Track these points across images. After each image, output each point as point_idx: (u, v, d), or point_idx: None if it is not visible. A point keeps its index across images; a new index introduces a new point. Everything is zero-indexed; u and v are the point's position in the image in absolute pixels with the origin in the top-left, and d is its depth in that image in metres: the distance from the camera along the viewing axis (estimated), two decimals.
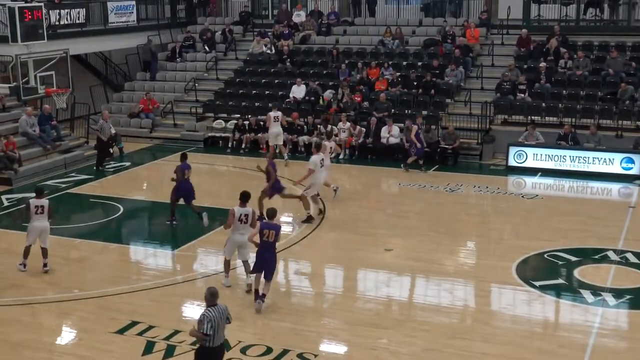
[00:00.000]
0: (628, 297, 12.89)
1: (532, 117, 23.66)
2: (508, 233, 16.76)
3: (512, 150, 22.23)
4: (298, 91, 26.40)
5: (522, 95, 24.49)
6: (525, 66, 25.87)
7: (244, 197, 13.21)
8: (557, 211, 18.04)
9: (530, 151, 22.00)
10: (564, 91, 24.42)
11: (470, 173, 21.84)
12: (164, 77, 29.83)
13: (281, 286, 14.07)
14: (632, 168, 21.08)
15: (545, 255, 14.84)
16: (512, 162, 22.19)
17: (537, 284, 13.44)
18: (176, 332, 11.53)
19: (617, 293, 12.94)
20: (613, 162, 21.31)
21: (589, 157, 21.59)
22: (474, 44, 27.45)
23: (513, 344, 11.19)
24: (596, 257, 14.77)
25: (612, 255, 14.75)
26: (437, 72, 26.02)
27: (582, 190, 20.51)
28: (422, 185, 20.31)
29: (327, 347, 11.35)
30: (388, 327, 11.80)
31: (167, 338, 11.36)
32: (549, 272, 14.14)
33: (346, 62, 27.53)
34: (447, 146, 22.78)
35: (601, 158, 21.47)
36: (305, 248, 15.66)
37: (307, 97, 26.24)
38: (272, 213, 12.68)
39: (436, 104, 24.98)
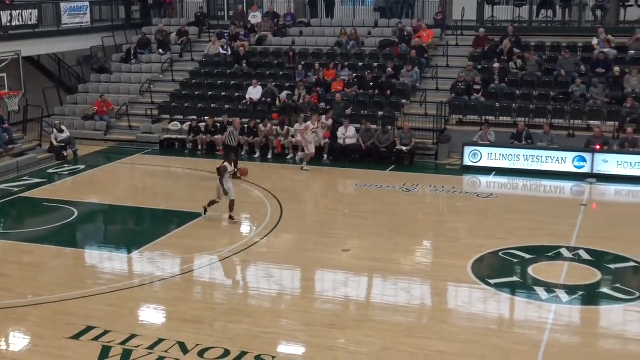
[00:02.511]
0: (580, 293, 13.11)
1: (487, 117, 23.96)
2: (464, 232, 16.94)
3: (467, 149, 22.48)
4: (254, 92, 26.35)
5: (477, 95, 24.78)
6: (479, 67, 26.18)
7: None
8: (512, 210, 18.30)
9: (484, 151, 22.26)
10: (518, 91, 24.77)
11: (426, 173, 22.02)
12: (119, 78, 29.54)
13: (239, 288, 14.05)
14: (583, 166, 21.47)
15: (500, 254, 15.03)
16: (467, 161, 22.44)
17: (493, 282, 13.61)
18: (133, 336, 11.43)
19: (570, 290, 13.16)
20: (565, 161, 21.67)
21: (542, 156, 21.94)
22: (427, 43, 27.68)
23: (469, 341, 11.30)
24: (550, 254, 14.99)
25: (565, 253, 15.00)
26: (393, 72, 26.20)
27: (535, 188, 20.83)
28: (378, 186, 20.42)
29: (285, 348, 11.36)
30: (346, 327, 11.84)
31: (124, 343, 11.26)
32: (504, 270, 14.32)
33: (302, 63, 27.56)
34: (403, 147, 22.94)
35: (554, 157, 21.82)
36: (263, 249, 15.64)
37: (263, 99, 26.20)
38: None
39: (392, 104, 25.14)
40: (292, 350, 11.37)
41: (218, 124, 24.87)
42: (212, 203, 17.27)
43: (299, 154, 23.15)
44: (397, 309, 12.62)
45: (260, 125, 24.47)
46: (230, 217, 17.05)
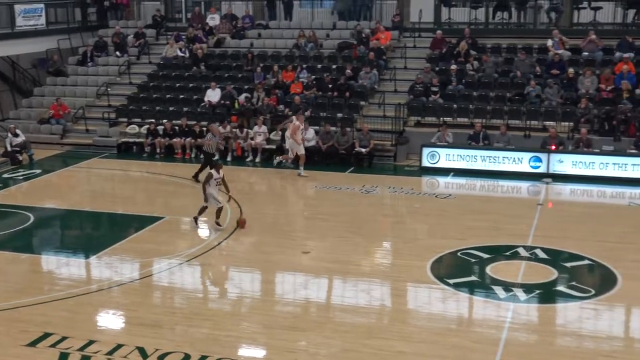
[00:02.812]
0: (538, 291, 13.30)
1: (444, 118, 24.18)
2: (422, 233, 17.07)
3: (425, 151, 22.66)
4: (213, 95, 26.26)
5: (435, 97, 24.99)
6: (437, 68, 26.40)
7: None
8: (470, 210, 18.49)
9: (442, 152, 22.46)
10: (475, 92, 25.04)
11: (385, 174, 22.16)
12: (75, 81, 29.21)
13: (198, 292, 13.98)
14: (539, 166, 21.78)
15: (459, 254, 15.16)
16: (425, 162, 22.62)
17: (451, 281, 13.73)
18: (91, 342, 11.30)
19: (528, 288, 13.34)
20: (522, 161, 21.97)
21: (499, 157, 22.20)
22: (385, 44, 27.84)
23: (429, 341, 11.39)
24: (507, 253, 15.17)
25: (522, 252, 15.19)
26: (352, 74, 26.30)
27: (492, 189, 21.07)
28: (338, 188, 20.48)
29: (246, 351, 11.33)
30: (306, 329, 11.86)
31: (82, 349, 11.12)
32: (463, 269, 14.46)
33: (261, 65, 27.53)
34: (362, 149, 23.04)
35: (510, 157, 22.11)
36: (222, 252, 15.59)
37: (222, 101, 26.12)
38: None
39: (351, 106, 25.24)
40: (253, 354, 11.35)
41: (177, 127, 24.73)
42: (218, 212, 16.75)
43: (278, 157, 22.85)
44: (358, 310, 12.67)
45: (220, 128, 24.35)
46: (217, 224, 16.74)
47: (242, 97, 25.97)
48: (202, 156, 22.37)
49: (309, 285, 13.91)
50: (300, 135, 22.00)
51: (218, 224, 16.72)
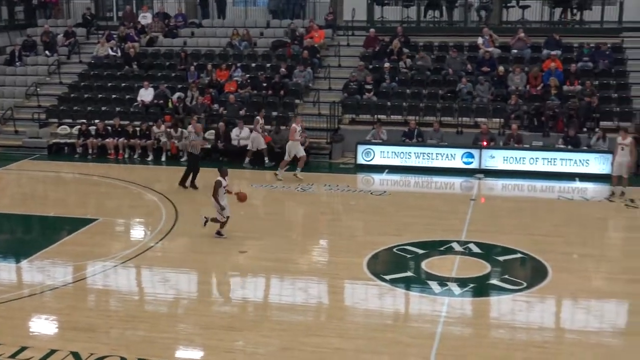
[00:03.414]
0: (471, 285, 13.53)
1: (379, 115, 24.40)
2: (359, 230, 17.19)
3: (360, 148, 22.84)
4: (146, 94, 25.97)
5: (369, 94, 25.18)
6: (370, 66, 26.61)
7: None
8: (404, 206, 18.71)
9: (377, 149, 22.66)
10: (408, 90, 25.32)
11: (320, 172, 22.26)
12: (3, 81, 28.51)
13: (134, 294, 13.81)
14: (472, 162, 22.17)
15: (394, 250, 15.32)
16: (360, 160, 22.80)
17: (387, 277, 13.86)
18: (23, 348, 11.06)
19: (462, 282, 13.56)
20: (455, 157, 22.32)
21: (432, 153, 22.52)
22: (319, 43, 27.94)
23: (366, 337, 11.48)
24: (441, 249, 15.39)
25: (456, 247, 15.43)
26: (286, 73, 26.31)
27: (427, 185, 21.35)
28: (273, 186, 20.48)
29: (183, 353, 11.24)
30: (244, 328, 11.83)
31: (14, 356, 10.87)
32: (398, 265, 14.61)
33: (195, 64, 27.33)
34: None
35: (443, 154, 22.45)
36: (158, 253, 15.43)
37: (155, 101, 25.84)
38: None
39: (286, 104, 25.25)
40: (190, 355, 11.27)
41: (109, 127, 24.37)
42: (214, 220, 15.98)
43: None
44: (295, 308, 12.69)
45: (154, 128, 24.12)
46: (218, 233, 15.99)
47: (175, 97, 25.74)
48: (184, 159, 22.49)
49: (246, 285, 13.88)
50: (298, 136, 21.33)
51: (220, 234, 16.00)
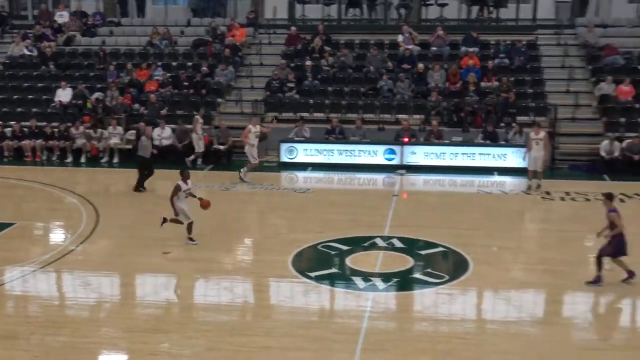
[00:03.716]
0: (395, 280, 13.71)
1: (301, 113, 24.47)
2: (283, 228, 17.22)
3: (283, 146, 22.89)
4: (64, 95, 25.44)
5: (291, 92, 25.23)
6: (292, 64, 26.67)
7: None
8: (328, 203, 18.83)
9: (300, 147, 22.75)
10: (330, 88, 25.48)
11: None
12: None
13: (54, 299, 13.50)
14: (394, 158, 22.47)
15: (319, 247, 15.39)
16: (284, 158, 22.85)
17: (312, 274, 13.91)
18: None
19: (386, 277, 13.72)
20: (377, 154, 22.59)
21: (355, 150, 22.73)
22: (241, 41, 27.87)
23: (292, 335, 11.50)
24: (365, 244, 15.53)
25: (380, 242, 15.60)
26: (208, 71, 26.14)
27: (350, 182, 21.55)
28: (197, 186, 20.24)
29: (106, 357, 11.07)
30: (169, 330, 11.70)
31: None
32: (323, 262, 14.69)
33: (114, 63, 26.90)
34: (220, 146, 22.97)
35: (366, 150, 22.69)
36: (79, 257, 15.12)
37: (73, 101, 25.33)
38: None
39: (208, 103, 25.09)
40: (114, 359, 11.10)
41: (25, 129, 23.78)
42: (189, 228, 15.41)
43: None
44: (220, 308, 12.63)
45: (72, 129, 23.64)
46: (190, 239, 15.45)
47: (94, 97, 25.28)
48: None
49: (170, 286, 13.74)
50: (255, 141, 20.77)
51: (191, 239, 15.49)
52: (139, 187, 19.66)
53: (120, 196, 20.61)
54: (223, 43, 27.62)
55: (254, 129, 20.77)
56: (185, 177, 15.39)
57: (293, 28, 28.08)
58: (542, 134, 20.25)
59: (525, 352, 10.87)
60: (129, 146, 23.18)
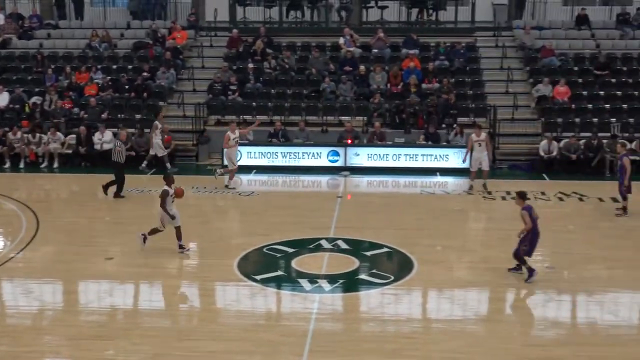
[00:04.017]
0: (341, 281, 13.77)
1: (244, 116, 24.41)
2: (228, 231, 17.15)
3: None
4: (1, 99, 24.90)
5: (234, 95, 25.15)
6: (234, 67, 26.58)
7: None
8: (273, 206, 18.81)
9: (244, 150, 22.65)
10: (273, 90, 25.47)
11: (187, 175, 21.99)
12: None
13: None
14: (337, 160, 22.58)
15: (265, 250, 15.37)
16: (226, 161, 22.67)
17: (258, 277, 13.89)
18: None
19: (332, 279, 13.78)
20: (321, 156, 22.67)
21: (298, 152, 22.76)
22: (182, 44, 27.67)
23: (239, 339, 11.47)
24: (311, 246, 15.58)
25: (325, 244, 15.66)
26: (149, 75, 25.88)
27: (294, 184, 21.57)
28: (140, 190, 20.10)
29: None
30: (114, 337, 11.55)
31: None
32: (269, 265, 14.67)
33: (52, 66, 26.43)
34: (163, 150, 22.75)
35: (310, 152, 22.74)
36: (19, 264, 14.81)
37: (10, 105, 24.80)
38: None
39: (150, 107, 24.83)
40: None
41: None
42: (154, 231, 15.15)
43: (219, 170, 21.02)
44: (166, 313, 12.54)
45: (10, 134, 23.14)
46: (180, 247, 15.12)
47: (32, 101, 24.80)
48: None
49: (114, 292, 13.54)
50: (234, 148, 20.66)
51: (182, 246, 15.16)
52: (119, 192, 19.42)
53: (60, 201, 20.27)
54: (164, 46, 27.39)
55: (233, 135, 20.57)
56: (169, 182, 15.01)
57: (234, 30, 27.99)
58: (484, 135, 20.59)
59: (470, 349, 11.04)
60: (69, 151, 22.79)
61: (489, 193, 19.96)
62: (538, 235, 13.38)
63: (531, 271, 13.39)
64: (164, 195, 14.88)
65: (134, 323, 12.21)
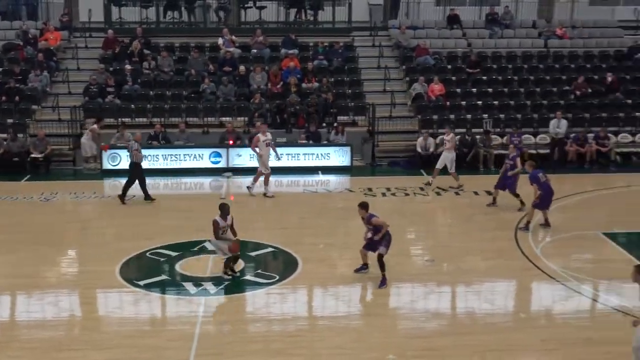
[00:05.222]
0: (226, 283, 13.74)
1: (123, 119, 23.92)
2: (109, 237, 16.77)
3: (106, 153, 22.25)
4: None
5: (111, 97, 24.60)
6: (111, 69, 26.01)
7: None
8: (156, 209, 18.57)
9: (123, 153, 22.17)
10: (151, 92, 25.08)
11: (64, 180, 21.44)
12: None
13: None
14: (220, 161, 22.48)
15: (148, 254, 15.15)
16: (106, 165, 22.23)
17: (142, 283, 13.68)
18: None
19: (216, 281, 13.74)
20: (202, 157, 22.51)
21: (180, 155, 22.53)
22: (55, 45, 26.84)
23: (122, 346, 11.27)
24: (195, 249, 15.47)
25: (209, 246, 15.51)
26: (20, 77, 24.96)
27: (177, 187, 21.34)
28: (14, 198, 19.40)
29: None
30: None
31: None
32: (152, 270, 14.46)
33: None
34: (38, 155, 22.02)
35: (191, 154, 22.55)
36: None
37: None
38: None
39: (22, 111, 23.97)
40: None
41: None
42: (227, 263, 13.99)
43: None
44: (45, 324, 12.14)
45: None
46: (231, 272, 14.03)
47: None
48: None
49: None
50: (265, 149, 19.62)
51: (233, 270, 14.10)
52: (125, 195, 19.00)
53: None
54: (36, 47, 26.46)
55: (263, 137, 19.60)
56: (225, 213, 13.98)
57: (110, 31, 27.36)
58: (451, 135, 20.80)
59: (356, 344, 11.27)
60: None
61: (370, 190, 20.36)
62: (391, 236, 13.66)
63: (383, 280, 13.50)
64: (215, 227, 13.88)
65: (11, 335, 11.77)
